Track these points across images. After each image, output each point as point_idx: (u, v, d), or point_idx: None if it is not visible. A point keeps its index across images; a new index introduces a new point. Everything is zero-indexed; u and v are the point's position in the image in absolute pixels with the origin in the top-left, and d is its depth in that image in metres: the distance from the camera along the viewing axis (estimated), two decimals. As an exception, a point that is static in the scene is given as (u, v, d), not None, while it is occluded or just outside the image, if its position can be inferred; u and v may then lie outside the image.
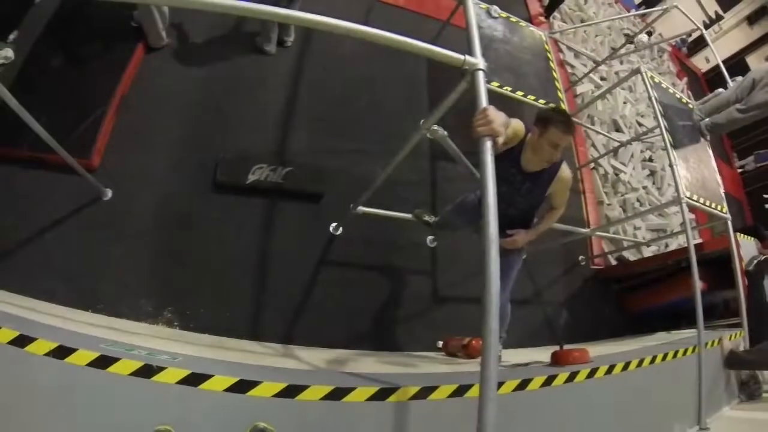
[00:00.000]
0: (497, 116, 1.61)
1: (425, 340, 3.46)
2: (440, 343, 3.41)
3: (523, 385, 2.02)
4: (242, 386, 1.48)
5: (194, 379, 1.46)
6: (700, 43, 7.65)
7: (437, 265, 3.82)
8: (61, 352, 1.44)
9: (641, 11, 6.53)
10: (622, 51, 5.90)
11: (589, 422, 2.30)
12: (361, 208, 3.20)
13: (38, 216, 3.25)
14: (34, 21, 4.02)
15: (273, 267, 3.35)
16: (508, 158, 2.31)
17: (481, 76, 1.75)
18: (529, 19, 5.61)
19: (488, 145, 1.60)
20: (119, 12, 4.00)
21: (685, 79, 7.38)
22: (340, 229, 3.57)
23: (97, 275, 3.12)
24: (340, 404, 1.55)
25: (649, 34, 7.00)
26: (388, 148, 3.91)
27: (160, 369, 1.46)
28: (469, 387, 1.81)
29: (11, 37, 4.02)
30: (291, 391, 1.50)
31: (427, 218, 3.27)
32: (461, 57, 1.74)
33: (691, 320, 3.68)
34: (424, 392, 1.71)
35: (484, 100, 1.70)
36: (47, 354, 1.43)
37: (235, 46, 4.15)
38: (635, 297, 4.62)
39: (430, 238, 3.84)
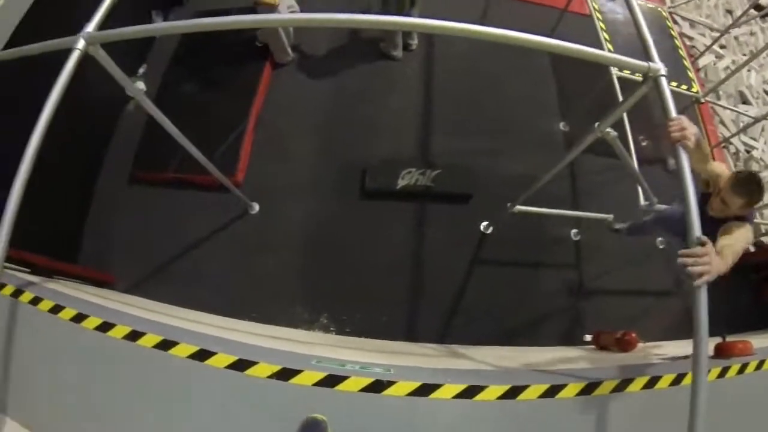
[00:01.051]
0: (690, 125, 1.74)
1: (572, 334, 3.58)
2: (588, 337, 3.50)
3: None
4: (470, 392, 1.69)
5: (425, 390, 1.67)
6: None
7: (581, 258, 3.89)
8: (285, 375, 1.69)
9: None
10: (743, 18, 5.54)
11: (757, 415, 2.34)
12: (519, 207, 3.34)
13: (190, 233, 3.71)
14: (160, 53, 4.55)
15: (425, 269, 3.59)
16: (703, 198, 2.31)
17: (664, 82, 1.86)
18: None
19: (682, 150, 1.72)
20: (242, 34, 4.39)
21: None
22: (491, 228, 3.75)
23: (251, 286, 3.50)
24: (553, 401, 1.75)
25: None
26: (525, 145, 4.14)
27: (391, 384, 1.67)
28: (658, 378, 1.96)
29: (141, 71, 4.60)
30: (513, 393, 1.71)
31: (617, 227, 3.53)
32: (645, 64, 1.86)
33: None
34: (623, 385, 1.87)
35: (671, 104, 1.81)
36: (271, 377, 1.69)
37: (361, 53, 4.44)
38: (775, 286, 4.40)
39: (574, 231, 3.91)
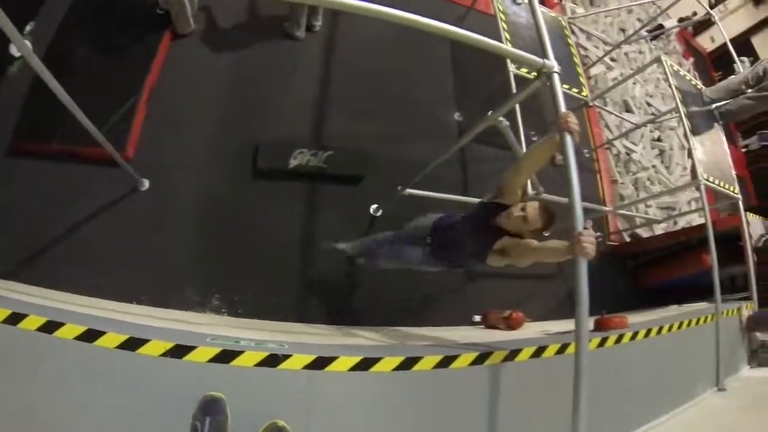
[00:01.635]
0: (576, 120, 1.94)
1: (462, 316, 3.82)
2: (477, 317, 3.76)
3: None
4: (365, 364, 1.76)
5: (321, 363, 1.70)
6: (705, 23, 7.93)
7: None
8: (179, 351, 1.63)
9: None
10: (634, 36, 6.23)
11: (632, 379, 2.69)
12: (408, 190, 3.42)
13: (76, 210, 3.37)
14: (52, 11, 4.12)
15: (316, 250, 3.61)
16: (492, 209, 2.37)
17: (557, 78, 2.07)
18: (542, 1, 5.90)
19: (568, 139, 1.93)
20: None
21: (691, 59, 7.75)
22: (380, 210, 3.84)
23: (140, 266, 3.28)
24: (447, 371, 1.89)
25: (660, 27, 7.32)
26: (420, 131, 4.28)
27: (286, 357, 1.67)
28: (545, 348, 2.20)
29: (28, 28, 4.11)
30: (408, 364, 1.82)
31: (341, 246, 3.47)
32: (540, 60, 2.05)
33: (699, 296, 4.15)
34: (512, 355, 2.06)
35: (561, 99, 2.02)
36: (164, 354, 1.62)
37: (264, 31, 4.30)
38: (648, 272, 5.03)
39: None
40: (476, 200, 3.86)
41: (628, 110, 6.09)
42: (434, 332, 3.16)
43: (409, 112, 4.39)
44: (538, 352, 2.15)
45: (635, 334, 2.75)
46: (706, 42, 8.49)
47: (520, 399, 2.04)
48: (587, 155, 5.33)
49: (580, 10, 6.50)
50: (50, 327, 1.63)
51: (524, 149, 3.24)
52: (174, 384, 1.62)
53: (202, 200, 3.55)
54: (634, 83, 6.40)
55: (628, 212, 5.19)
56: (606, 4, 7.02)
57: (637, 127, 5.23)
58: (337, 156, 3.83)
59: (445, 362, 1.86)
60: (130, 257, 3.31)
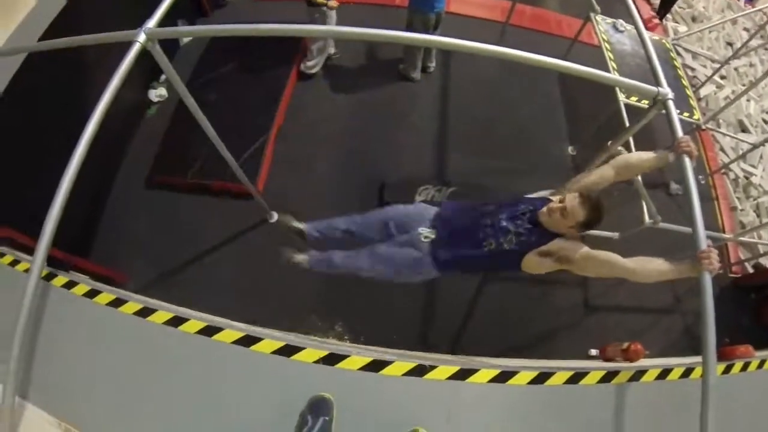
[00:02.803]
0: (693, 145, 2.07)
1: (578, 349, 3.80)
2: (593, 351, 3.75)
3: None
4: (503, 377, 1.96)
5: (463, 375, 1.93)
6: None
7: (587, 276, 4.14)
8: (288, 351, 1.93)
9: (755, 9, 6.54)
10: (743, 50, 6.00)
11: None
12: None
13: (207, 239, 3.93)
14: (182, 61, 4.86)
15: (437, 284, 3.84)
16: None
17: (672, 105, 2.19)
18: (644, 25, 5.92)
19: (688, 163, 2.03)
20: (267, 44, 4.58)
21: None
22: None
23: (265, 292, 3.69)
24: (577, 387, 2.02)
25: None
26: (535, 165, 4.47)
27: (388, 363, 1.89)
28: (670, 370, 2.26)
29: (162, 77, 4.92)
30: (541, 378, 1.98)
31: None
32: (655, 89, 2.18)
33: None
34: (638, 375, 2.14)
35: (677, 123, 2.14)
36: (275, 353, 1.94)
37: (381, 73, 4.81)
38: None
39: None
40: (594, 232, 3.96)
41: (744, 130, 5.82)
42: (555, 363, 3.25)
43: (523, 148, 4.63)
44: (664, 374, 2.20)
45: (763, 362, 2.66)
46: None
47: (645, 419, 2.09)
48: (702, 182, 5.16)
49: (682, 29, 6.40)
50: (175, 321, 2.03)
51: (640, 179, 3.28)
52: (281, 381, 1.91)
53: None
54: (747, 100, 6.11)
55: (749, 239, 4.91)
56: (709, 18, 6.83)
57: (755, 147, 4.98)
58: (460, 191, 4.10)
59: (575, 378, 1.99)
60: (257, 284, 3.74)
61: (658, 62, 3.60)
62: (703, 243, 1.88)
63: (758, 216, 5.26)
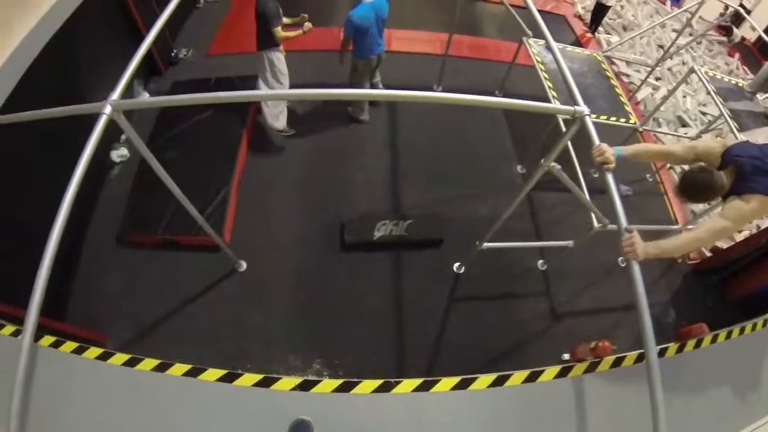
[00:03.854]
0: (608, 148, 2.37)
1: (551, 356, 3.99)
2: (566, 355, 3.98)
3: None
4: (464, 383, 2.18)
5: (427, 386, 2.15)
6: (741, 15, 8.10)
7: (550, 285, 4.43)
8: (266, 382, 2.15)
9: (680, 9, 7.12)
10: (672, 49, 6.52)
11: (723, 383, 2.75)
12: (486, 244, 3.77)
13: (180, 292, 4.05)
14: (140, 120, 5.05)
15: (407, 310, 4.07)
16: None
17: (588, 120, 2.48)
18: (578, 41, 6.43)
19: (607, 172, 2.33)
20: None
21: (737, 55, 7.88)
22: (463, 267, 4.27)
23: (244, 339, 3.83)
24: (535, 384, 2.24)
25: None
26: (488, 188, 4.78)
27: (356, 383, 2.12)
28: (623, 358, 2.50)
29: (123, 137, 5.10)
30: (500, 381, 2.20)
31: None
32: (571, 108, 2.47)
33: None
34: (593, 366, 2.37)
35: (595, 136, 2.44)
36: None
37: (332, 117, 5.09)
38: (735, 284, 5.02)
39: (540, 261, 4.49)
40: (548, 243, 4.24)
41: (684, 125, 6.29)
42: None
43: (474, 172, 4.95)
44: (618, 362, 2.43)
45: (715, 336, 2.91)
46: (748, 32, 8.55)
47: (604, 406, 2.30)
48: (650, 180, 5.56)
49: (614, 39, 6.93)
50: (162, 367, 2.21)
51: (584, 187, 3.56)
52: (263, 410, 2.10)
53: (296, 275, 4.13)
54: (684, 96, 6.62)
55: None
56: (639, 26, 7.40)
57: (692, 139, 5.42)
58: (416, 223, 4.37)
59: (533, 377, 2.21)
60: (234, 331, 3.87)
61: (590, 77, 3.95)
62: (624, 234, 2.14)
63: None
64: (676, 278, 5.08)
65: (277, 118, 4.87)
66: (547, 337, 4.17)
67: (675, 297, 4.94)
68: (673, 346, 2.72)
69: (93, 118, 2.19)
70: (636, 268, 2.06)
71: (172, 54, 5.90)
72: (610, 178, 2.32)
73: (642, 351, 2.49)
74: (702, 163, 2.41)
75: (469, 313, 4.13)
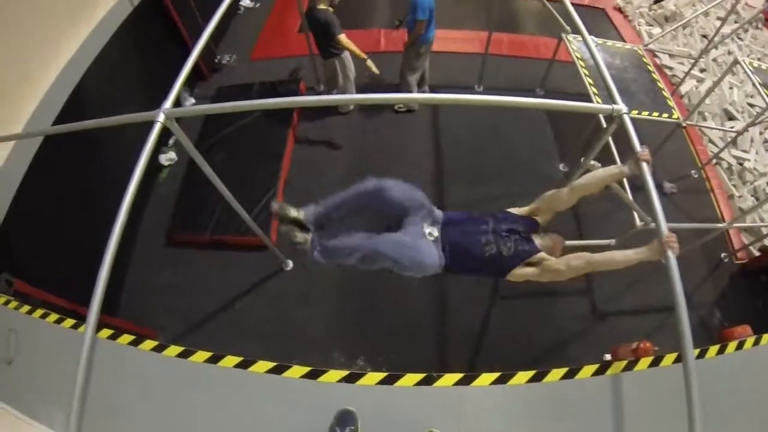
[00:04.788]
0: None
1: (593, 356, 3.96)
2: (607, 356, 3.98)
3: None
4: (503, 378, 2.26)
5: (467, 380, 2.23)
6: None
7: (591, 283, 4.43)
8: (314, 374, 2.28)
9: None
10: (716, 39, 6.32)
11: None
12: None
13: (227, 290, 4.26)
14: (186, 124, 5.29)
15: (451, 308, 4.16)
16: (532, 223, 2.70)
17: (627, 118, 2.49)
18: (618, 34, 6.36)
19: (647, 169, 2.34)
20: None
21: (788, 41, 7.54)
22: None
23: (289, 336, 4.00)
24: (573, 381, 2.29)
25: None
26: (529, 186, 4.72)
27: (400, 376, 2.22)
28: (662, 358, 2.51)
29: (170, 142, 5.37)
30: (538, 377, 2.27)
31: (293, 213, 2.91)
32: (609, 107, 2.49)
33: None
34: (631, 365, 2.40)
35: (634, 135, 2.44)
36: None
37: (373, 115, 5.29)
38: (788, 285, 4.88)
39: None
40: (591, 242, 4.17)
41: (731, 118, 6.09)
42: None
43: (516, 169, 4.99)
44: (656, 361, 2.45)
45: (759, 339, 2.87)
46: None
47: (641, 404, 2.32)
48: (695, 176, 5.44)
49: (656, 31, 6.77)
50: (214, 359, 2.38)
51: (626, 185, 3.55)
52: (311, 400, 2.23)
53: (340, 274, 4.23)
54: (730, 88, 6.40)
55: (749, 224, 5.13)
56: (681, 15, 7.20)
57: (739, 133, 5.26)
58: None
59: (570, 374, 2.26)
60: (280, 328, 4.06)
61: (631, 72, 3.87)
62: (665, 231, 2.15)
63: (756, 199, 5.48)
64: (722, 278, 4.96)
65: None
66: (588, 337, 4.17)
67: (721, 297, 4.83)
68: (713, 347, 2.69)
69: (141, 127, 2.36)
70: (674, 264, 2.07)
71: (216, 60, 6.18)
72: (648, 176, 2.32)
73: (679, 354, 2.50)
74: None
75: (511, 311, 4.18)
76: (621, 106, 2.50)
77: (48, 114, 3.82)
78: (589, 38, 3.06)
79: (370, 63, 4.72)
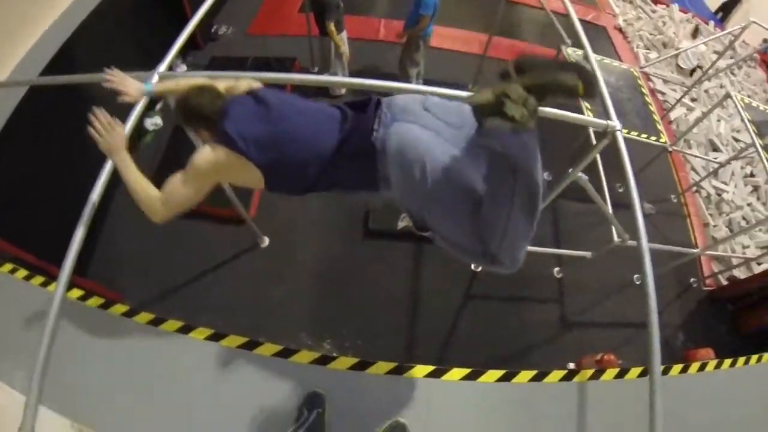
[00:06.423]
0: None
1: (557, 363, 4.06)
2: (571, 365, 4.09)
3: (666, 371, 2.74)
4: (474, 375, 2.32)
5: (438, 373, 2.30)
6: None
7: (563, 293, 4.53)
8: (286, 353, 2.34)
9: (724, 32, 7.07)
10: (711, 71, 6.52)
11: (725, 409, 2.85)
12: None
13: (201, 261, 4.22)
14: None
15: (421, 301, 4.21)
16: None
17: (620, 135, 2.56)
18: (616, 54, 6.49)
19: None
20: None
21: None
22: (480, 266, 4.36)
23: (259, 313, 3.99)
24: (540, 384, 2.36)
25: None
26: None
27: (371, 363, 2.28)
28: (627, 370, 2.59)
29: (157, 106, 5.29)
30: (507, 377, 2.32)
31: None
32: (604, 122, 2.55)
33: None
34: (597, 374, 2.48)
35: (625, 153, 2.51)
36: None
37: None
38: (750, 315, 5.06)
39: (556, 269, 4.58)
40: (568, 252, 4.23)
41: (716, 149, 6.28)
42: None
43: None
44: (621, 373, 2.54)
45: (720, 363, 3.00)
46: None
47: (604, 413, 2.41)
48: (674, 200, 5.59)
49: (653, 55, 6.93)
50: (185, 329, 2.39)
51: (608, 201, 3.63)
52: (281, 380, 2.25)
53: (317, 256, 4.29)
54: (718, 120, 6.60)
55: (721, 253, 5.31)
56: (680, 42, 7.39)
57: (721, 165, 5.44)
58: None
59: (539, 377, 2.33)
60: (250, 304, 4.05)
61: (625, 91, 3.93)
62: (646, 254, 2.22)
63: (730, 230, 5.67)
64: (690, 302, 5.12)
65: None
66: (554, 344, 4.26)
67: (687, 320, 4.99)
68: (677, 366, 2.81)
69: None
70: (650, 279, 2.14)
71: (212, 29, 6.10)
72: (635, 194, 2.39)
73: (644, 368, 2.61)
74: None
75: (481, 312, 4.25)
76: (615, 122, 2.56)
77: (35, 65, 3.73)
78: (591, 52, 3.14)
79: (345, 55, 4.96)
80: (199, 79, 2.13)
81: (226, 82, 2.07)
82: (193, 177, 1.80)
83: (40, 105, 3.61)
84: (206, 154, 1.77)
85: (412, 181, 1.58)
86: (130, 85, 2.03)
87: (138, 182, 1.84)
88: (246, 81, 2.06)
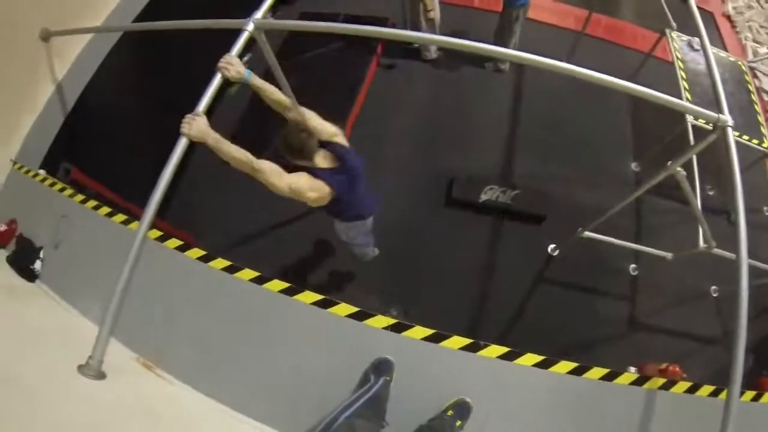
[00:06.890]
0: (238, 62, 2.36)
1: (618, 363, 3.97)
2: (632, 369, 3.92)
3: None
4: (546, 363, 2.27)
5: (511, 356, 2.26)
6: None
7: (636, 293, 4.33)
8: (360, 316, 2.34)
9: None
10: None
11: None
12: (588, 234, 3.70)
13: (278, 217, 4.34)
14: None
15: (494, 278, 4.16)
16: None
17: (730, 132, 2.35)
18: (721, 43, 5.99)
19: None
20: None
21: None
22: (557, 251, 4.28)
23: (330, 272, 4.11)
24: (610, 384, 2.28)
25: None
26: (598, 178, 4.69)
27: (447, 336, 2.25)
28: (699, 387, 2.47)
29: (245, 58, 5.29)
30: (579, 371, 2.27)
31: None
32: (715, 115, 2.35)
33: None
34: (669, 385, 2.37)
35: (734, 152, 2.32)
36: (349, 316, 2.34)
37: (458, 70, 5.27)
38: None
39: (632, 266, 4.37)
40: (648, 249, 3.94)
41: (821, 159, 5.75)
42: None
43: (588, 158, 4.85)
44: (693, 389, 2.43)
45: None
46: None
47: (670, 426, 2.33)
48: (767, 213, 5.16)
49: (763, 50, 6.35)
50: (260, 279, 2.45)
51: (698, 203, 3.40)
52: (353, 342, 2.28)
53: (397, 221, 4.24)
54: (828, 128, 6.02)
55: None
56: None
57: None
58: (523, 195, 4.38)
59: (610, 376, 2.25)
60: (323, 262, 4.17)
61: (730, 86, 3.59)
62: (744, 268, 2.06)
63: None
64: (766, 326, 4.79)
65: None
66: (618, 344, 4.12)
67: (761, 345, 4.68)
68: (749, 393, 2.63)
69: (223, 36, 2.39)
70: (744, 296, 2.01)
71: (304, -17, 6.04)
72: (740, 201, 2.23)
73: (717, 387, 2.49)
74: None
75: (551, 298, 4.16)
76: (727, 117, 2.36)
77: (128, 13, 3.85)
78: (707, 41, 2.90)
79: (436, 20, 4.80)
80: (281, 95, 2.63)
81: (314, 121, 2.63)
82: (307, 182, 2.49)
83: (131, 50, 3.74)
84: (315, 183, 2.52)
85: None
86: (237, 64, 2.29)
87: (237, 152, 2.28)
88: (332, 128, 2.66)
